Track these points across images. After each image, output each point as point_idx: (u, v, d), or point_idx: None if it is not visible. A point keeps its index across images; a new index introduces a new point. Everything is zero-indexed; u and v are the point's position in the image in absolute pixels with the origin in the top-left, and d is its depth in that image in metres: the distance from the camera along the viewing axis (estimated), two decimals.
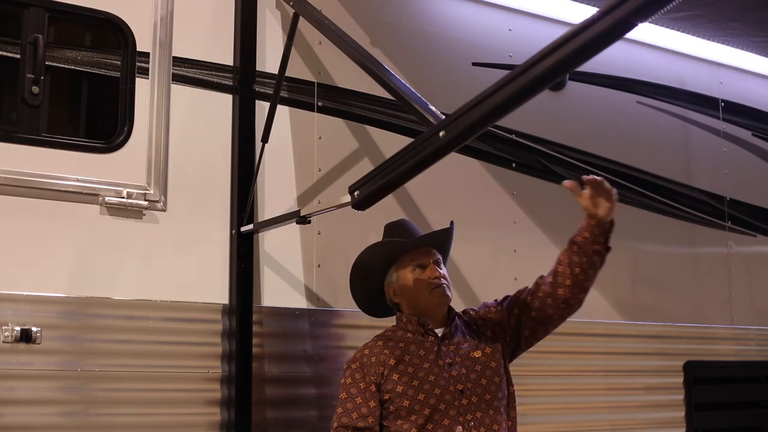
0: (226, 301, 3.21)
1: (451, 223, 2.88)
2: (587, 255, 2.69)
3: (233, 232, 3.27)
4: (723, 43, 4.72)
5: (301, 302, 3.38)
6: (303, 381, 3.32)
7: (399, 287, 2.82)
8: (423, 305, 2.78)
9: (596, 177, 2.60)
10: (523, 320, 2.80)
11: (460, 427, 2.59)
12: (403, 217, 3.09)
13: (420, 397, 2.63)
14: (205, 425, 3.10)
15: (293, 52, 3.37)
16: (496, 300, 2.89)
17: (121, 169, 3.10)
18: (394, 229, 2.91)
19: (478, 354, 2.73)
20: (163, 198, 3.16)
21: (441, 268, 2.80)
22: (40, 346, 2.85)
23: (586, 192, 2.62)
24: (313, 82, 3.55)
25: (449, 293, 2.78)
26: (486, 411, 2.65)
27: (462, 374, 2.67)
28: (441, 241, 2.86)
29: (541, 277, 2.81)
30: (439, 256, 2.84)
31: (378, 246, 2.87)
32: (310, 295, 3.40)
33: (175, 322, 3.11)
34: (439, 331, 2.76)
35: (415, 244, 2.81)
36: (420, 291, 2.78)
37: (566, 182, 2.64)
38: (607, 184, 2.61)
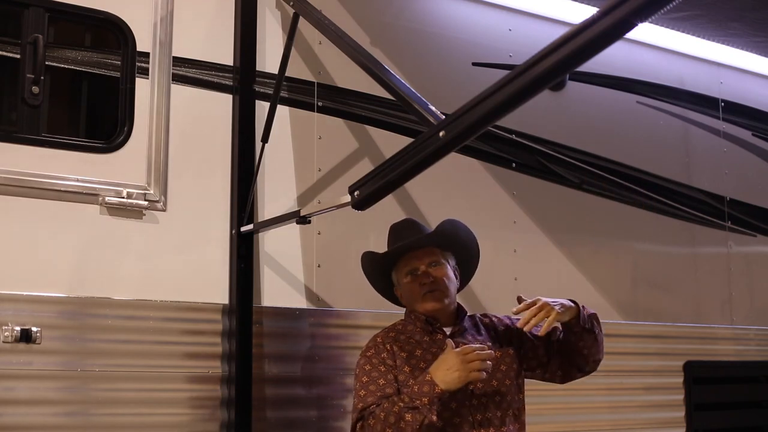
0: (226, 301, 3.21)
1: (445, 222, 2.87)
2: (572, 340, 2.75)
3: (233, 232, 3.27)
4: (723, 43, 4.72)
5: (301, 302, 3.38)
6: (303, 381, 3.32)
7: (400, 290, 2.86)
8: (419, 310, 2.79)
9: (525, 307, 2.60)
10: (551, 361, 2.83)
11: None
12: (409, 217, 3.08)
13: None
14: (205, 425, 3.10)
15: (293, 52, 3.37)
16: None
17: (121, 169, 3.10)
18: (395, 231, 2.92)
19: None
20: (163, 198, 3.16)
21: (437, 270, 2.78)
22: (40, 346, 2.85)
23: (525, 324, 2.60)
24: (313, 82, 3.55)
25: (444, 299, 2.76)
26: (494, 412, 2.65)
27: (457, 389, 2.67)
28: (434, 241, 2.84)
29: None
30: (438, 257, 2.81)
31: (366, 257, 2.91)
32: (310, 295, 3.40)
33: (175, 322, 3.11)
34: (448, 330, 2.77)
35: (398, 253, 2.81)
36: (413, 296, 2.79)
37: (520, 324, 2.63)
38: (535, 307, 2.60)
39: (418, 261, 2.79)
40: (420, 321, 2.78)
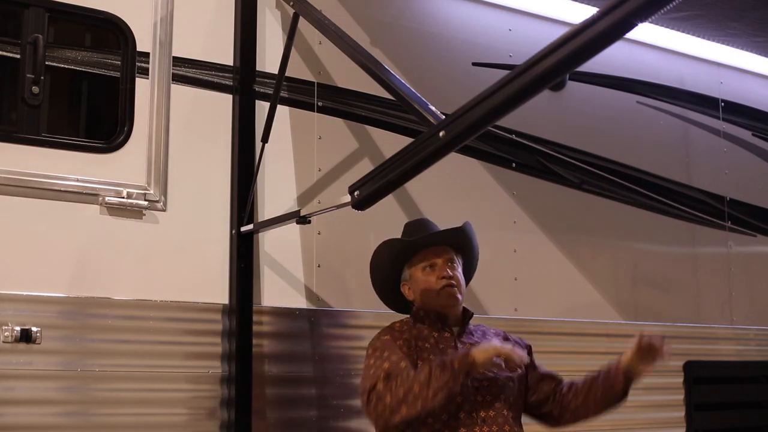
0: (226, 301, 3.21)
1: (466, 223, 2.88)
2: (606, 402, 2.74)
3: (233, 232, 3.27)
4: (723, 43, 4.72)
5: (301, 302, 3.38)
6: (303, 381, 3.32)
7: (412, 285, 2.84)
8: (433, 305, 2.78)
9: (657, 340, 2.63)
10: (535, 402, 2.82)
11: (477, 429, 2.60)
12: (424, 218, 3.08)
13: None
14: (205, 425, 3.10)
15: (293, 52, 3.37)
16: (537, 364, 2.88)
17: (121, 169, 3.10)
18: (410, 227, 2.93)
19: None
20: (163, 198, 3.16)
21: (453, 269, 2.79)
22: (40, 346, 2.85)
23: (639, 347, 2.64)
24: (313, 82, 3.55)
25: (459, 295, 2.78)
26: (500, 411, 2.65)
27: (478, 371, 2.67)
28: (454, 240, 2.85)
29: (569, 386, 2.82)
30: (453, 256, 2.83)
31: (386, 244, 2.88)
32: (310, 295, 3.40)
33: (175, 322, 3.11)
34: (455, 330, 2.78)
35: (423, 243, 2.81)
36: (429, 291, 2.78)
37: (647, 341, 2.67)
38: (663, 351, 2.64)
39: (437, 257, 2.80)
40: (429, 318, 2.78)
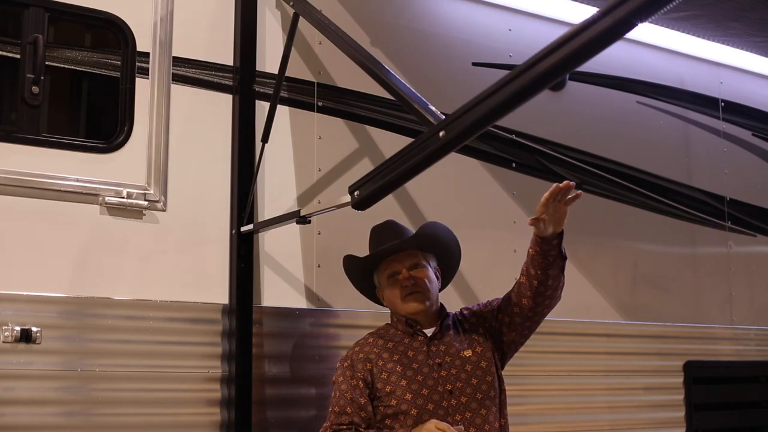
0: (226, 301, 3.21)
1: (425, 224, 2.89)
2: (541, 268, 2.66)
3: (233, 232, 3.27)
4: (723, 43, 4.73)
5: (301, 302, 3.38)
6: (303, 381, 3.32)
7: (383, 292, 2.89)
8: (401, 312, 2.81)
9: (561, 187, 2.48)
10: (504, 325, 2.81)
11: None
12: (390, 219, 3.06)
13: (407, 397, 2.64)
14: (205, 425, 3.10)
15: (293, 52, 3.37)
16: (488, 300, 2.90)
17: (121, 169, 3.10)
18: (376, 233, 2.94)
19: (468, 353, 2.74)
20: (163, 198, 3.16)
21: (418, 272, 2.80)
22: (40, 346, 2.85)
23: (538, 214, 2.53)
24: (313, 82, 3.55)
25: (426, 301, 2.78)
26: (477, 411, 2.65)
27: (452, 374, 2.68)
28: (415, 244, 2.85)
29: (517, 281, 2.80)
30: (419, 259, 2.83)
31: (347, 261, 2.94)
32: (310, 295, 3.40)
33: (175, 322, 3.11)
34: (429, 332, 2.78)
35: (376, 259, 2.84)
36: (395, 298, 2.81)
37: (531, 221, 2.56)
38: (566, 196, 2.49)
39: (400, 264, 2.82)
40: (401, 323, 2.81)
